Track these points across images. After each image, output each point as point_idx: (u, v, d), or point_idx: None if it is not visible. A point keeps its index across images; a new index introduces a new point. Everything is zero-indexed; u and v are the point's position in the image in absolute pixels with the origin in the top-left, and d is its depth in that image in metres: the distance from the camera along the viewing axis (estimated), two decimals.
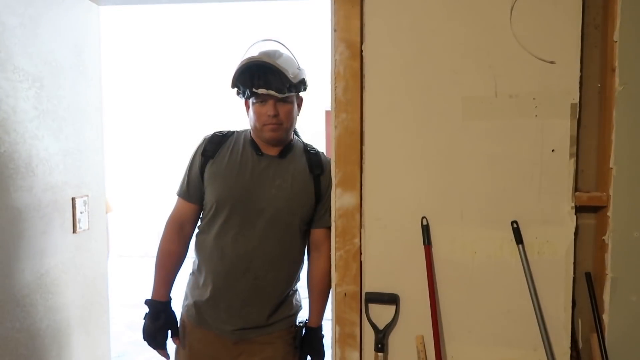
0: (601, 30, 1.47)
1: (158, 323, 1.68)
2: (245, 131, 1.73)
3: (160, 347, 1.70)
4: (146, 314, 1.70)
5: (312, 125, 5.93)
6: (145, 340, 1.70)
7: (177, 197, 1.74)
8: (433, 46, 1.47)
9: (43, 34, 1.83)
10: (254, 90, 1.56)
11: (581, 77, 1.43)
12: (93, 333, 2.20)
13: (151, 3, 2.29)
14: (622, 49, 1.39)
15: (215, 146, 1.68)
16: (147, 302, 1.70)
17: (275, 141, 1.64)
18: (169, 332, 1.72)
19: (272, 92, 1.55)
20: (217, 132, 1.73)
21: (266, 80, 1.55)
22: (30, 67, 1.77)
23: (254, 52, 1.61)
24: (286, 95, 1.58)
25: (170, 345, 1.73)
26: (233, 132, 1.74)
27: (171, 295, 1.74)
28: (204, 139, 1.71)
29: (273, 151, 1.66)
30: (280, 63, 1.56)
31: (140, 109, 7.13)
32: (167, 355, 1.73)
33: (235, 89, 1.65)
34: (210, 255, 1.64)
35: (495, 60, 1.45)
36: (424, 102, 1.48)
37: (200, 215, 1.73)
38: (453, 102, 1.47)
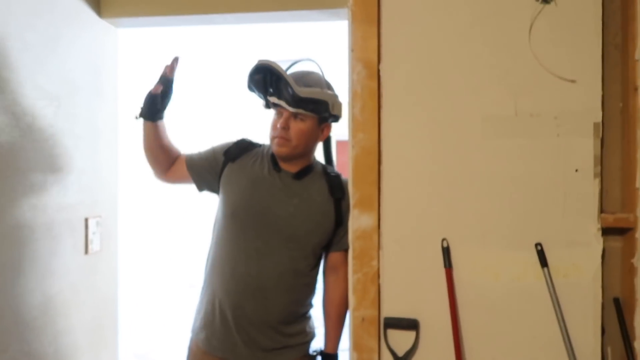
0: (621, 49, 1.46)
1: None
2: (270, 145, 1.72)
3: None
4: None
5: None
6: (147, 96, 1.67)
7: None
8: (451, 65, 1.46)
9: (62, 54, 1.86)
10: (268, 98, 1.57)
11: (603, 96, 1.40)
12: (102, 358, 2.15)
13: (169, 25, 2.33)
14: None
15: (239, 151, 1.67)
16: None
17: (282, 157, 1.61)
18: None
19: (282, 103, 1.53)
20: (247, 139, 1.73)
21: (277, 89, 1.54)
22: (48, 85, 1.78)
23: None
24: (297, 110, 1.53)
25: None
26: (262, 144, 1.73)
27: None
28: (234, 141, 1.71)
29: (291, 169, 1.64)
30: (287, 73, 1.54)
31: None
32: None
33: (261, 101, 1.64)
34: (222, 271, 1.60)
35: (514, 79, 1.43)
36: (442, 121, 1.46)
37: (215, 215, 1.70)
38: (472, 121, 1.45)
